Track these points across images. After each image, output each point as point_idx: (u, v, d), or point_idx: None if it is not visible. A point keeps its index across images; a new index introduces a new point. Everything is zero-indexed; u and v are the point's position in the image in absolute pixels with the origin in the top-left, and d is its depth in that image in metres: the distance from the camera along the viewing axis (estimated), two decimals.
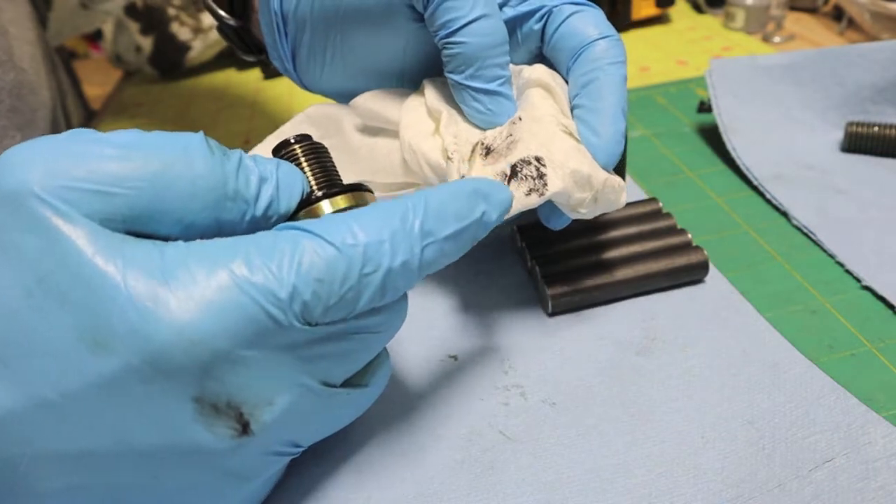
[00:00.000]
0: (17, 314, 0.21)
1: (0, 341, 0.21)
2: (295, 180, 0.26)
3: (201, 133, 0.24)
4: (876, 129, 0.46)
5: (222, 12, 0.41)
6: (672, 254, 0.37)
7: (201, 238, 0.24)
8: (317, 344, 0.23)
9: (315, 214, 0.26)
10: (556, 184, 0.30)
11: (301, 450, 0.26)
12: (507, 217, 0.30)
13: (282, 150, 0.28)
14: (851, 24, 0.68)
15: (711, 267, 0.38)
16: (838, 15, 0.69)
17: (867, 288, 0.37)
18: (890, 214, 0.42)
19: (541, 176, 0.30)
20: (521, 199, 0.30)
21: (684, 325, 0.35)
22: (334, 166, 0.29)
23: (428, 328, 0.36)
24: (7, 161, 0.22)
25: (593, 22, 0.34)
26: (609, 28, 0.34)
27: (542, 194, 0.30)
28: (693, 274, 0.37)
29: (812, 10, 0.73)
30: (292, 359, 0.23)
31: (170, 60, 0.72)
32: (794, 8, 0.73)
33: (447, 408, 0.32)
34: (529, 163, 0.30)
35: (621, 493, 0.28)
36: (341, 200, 0.27)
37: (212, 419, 0.22)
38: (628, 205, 0.41)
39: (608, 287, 0.36)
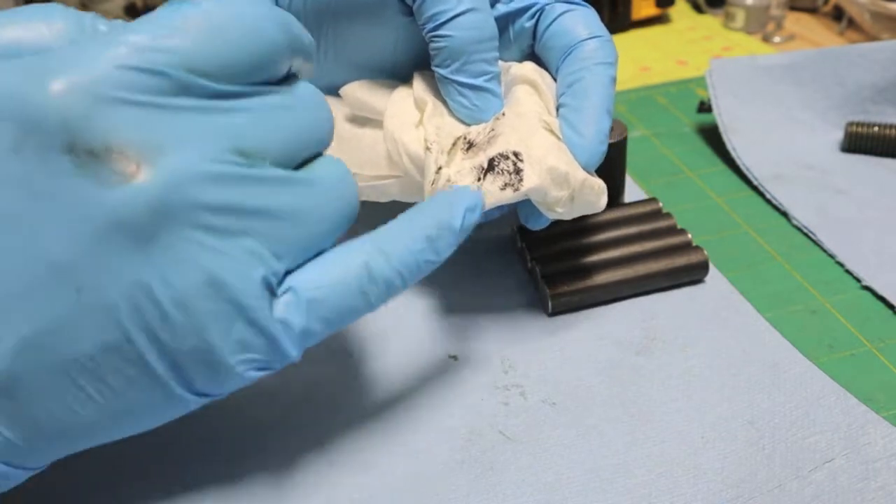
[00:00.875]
0: None
1: None
2: None
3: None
4: (876, 129, 0.46)
5: None
6: (672, 254, 0.37)
7: None
8: (217, 98, 0.22)
9: None
10: (531, 180, 0.30)
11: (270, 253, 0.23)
12: (484, 210, 0.30)
13: None
14: (851, 24, 0.68)
15: (711, 267, 0.38)
16: (838, 15, 0.69)
17: (867, 288, 0.37)
18: (890, 214, 0.42)
19: (517, 171, 0.30)
20: (496, 193, 0.30)
21: (684, 325, 0.35)
22: None
23: (428, 328, 0.36)
24: None
25: (584, 21, 0.34)
26: (600, 28, 0.34)
27: (516, 189, 0.30)
28: (693, 274, 0.37)
29: (812, 10, 0.73)
30: (183, 109, 0.21)
31: None
32: (794, 8, 0.73)
33: (447, 408, 0.32)
34: (507, 157, 0.30)
35: (621, 493, 0.28)
36: None
37: (93, 166, 0.20)
38: (628, 205, 0.41)
39: (608, 287, 0.36)
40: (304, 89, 0.25)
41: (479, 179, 0.30)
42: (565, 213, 0.32)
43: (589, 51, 0.33)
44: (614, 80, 0.33)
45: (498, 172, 0.30)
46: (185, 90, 0.21)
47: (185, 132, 0.21)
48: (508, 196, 0.30)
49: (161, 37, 0.21)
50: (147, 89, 0.21)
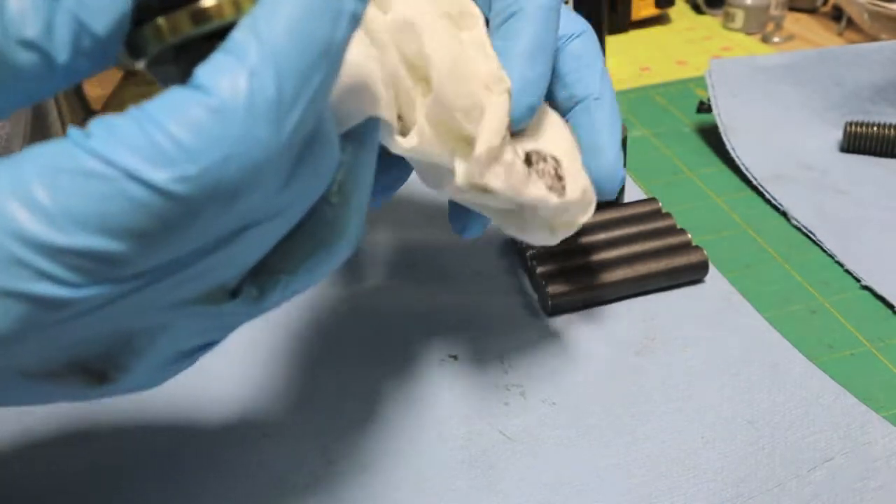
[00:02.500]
0: None
1: None
2: None
3: None
4: (875, 128, 0.46)
5: None
6: (672, 254, 0.37)
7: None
8: (159, 278, 0.16)
9: (179, 26, 0.16)
10: (573, 194, 0.26)
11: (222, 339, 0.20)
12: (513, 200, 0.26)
13: None
14: (850, 24, 0.68)
15: (711, 267, 0.38)
16: (837, 15, 0.69)
17: (867, 288, 0.37)
18: (890, 214, 0.42)
19: (559, 178, 0.26)
20: (543, 192, 0.25)
21: (684, 325, 0.35)
22: None
23: (428, 328, 0.36)
24: None
25: None
26: None
27: (560, 197, 0.26)
28: (693, 274, 0.37)
29: (811, 11, 0.73)
30: (137, 302, 0.17)
31: None
32: (793, 8, 0.73)
33: (447, 408, 0.32)
34: (546, 160, 0.26)
35: (621, 493, 0.28)
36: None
37: (55, 382, 0.18)
38: (628, 204, 0.41)
39: (608, 287, 0.36)
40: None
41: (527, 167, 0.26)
42: (554, 238, 0.28)
43: None
44: (557, 12, 0.27)
45: (539, 173, 0.26)
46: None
47: (139, 319, 0.17)
48: (553, 202, 0.26)
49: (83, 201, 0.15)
50: (72, 309, 0.16)
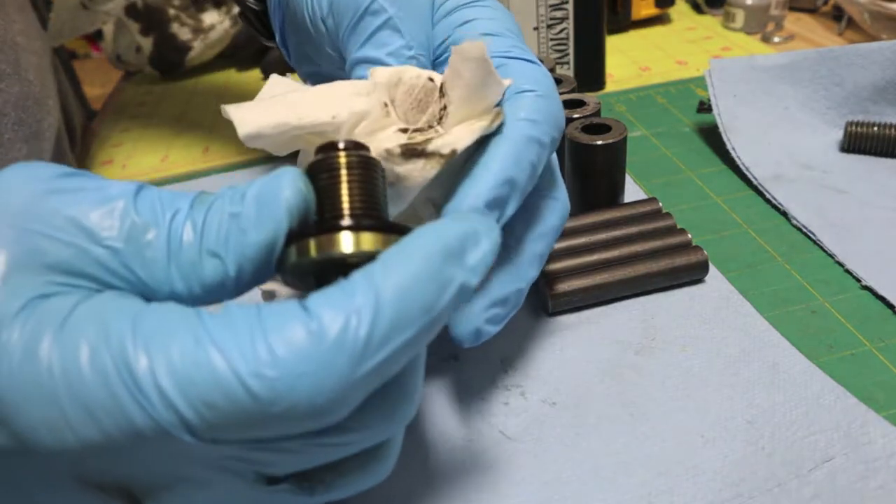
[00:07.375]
0: None
1: None
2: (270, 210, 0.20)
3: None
4: (875, 128, 0.46)
5: None
6: (672, 253, 0.37)
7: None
8: (226, 448, 0.19)
9: (325, 249, 0.20)
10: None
11: None
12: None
13: (322, 154, 0.22)
14: (851, 24, 0.68)
15: (711, 267, 0.38)
16: (838, 15, 0.69)
17: (867, 288, 0.37)
18: (890, 214, 0.42)
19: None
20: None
21: (684, 325, 0.35)
22: (384, 193, 0.23)
23: None
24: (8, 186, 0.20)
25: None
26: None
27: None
28: (693, 274, 0.37)
29: (812, 11, 0.73)
30: (194, 456, 0.19)
31: (170, 61, 0.72)
32: (793, 8, 0.73)
33: (447, 408, 0.32)
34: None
35: (621, 493, 0.28)
36: (367, 240, 0.21)
37: (100, 496, 0.20)
38: (628, 204, 0.41)
39: (608, 287, 0.36)
40: None
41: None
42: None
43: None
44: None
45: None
46: (186, 445, 0.19)
47: (195, 471, 0.20)
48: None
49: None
50: (150, 445, 0.18)
